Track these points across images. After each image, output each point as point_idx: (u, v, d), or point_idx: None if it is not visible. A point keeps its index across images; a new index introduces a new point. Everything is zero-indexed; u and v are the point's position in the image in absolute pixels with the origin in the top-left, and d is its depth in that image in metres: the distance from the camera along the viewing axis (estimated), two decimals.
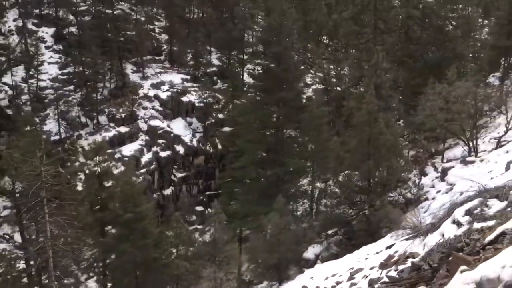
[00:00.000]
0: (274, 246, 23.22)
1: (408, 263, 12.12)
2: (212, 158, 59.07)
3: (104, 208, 22.43)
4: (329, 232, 27.53)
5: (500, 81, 48.54)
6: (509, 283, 6.76)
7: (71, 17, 62.82)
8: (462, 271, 8.57)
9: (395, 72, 36.25)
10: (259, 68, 74.10)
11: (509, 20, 47.15)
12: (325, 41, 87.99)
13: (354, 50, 60.05)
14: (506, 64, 50.70)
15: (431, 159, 32.58)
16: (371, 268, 14.30)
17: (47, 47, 60.12)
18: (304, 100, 48.62)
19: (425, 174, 28.67)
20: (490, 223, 11.20)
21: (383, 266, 13.41)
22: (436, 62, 41.38)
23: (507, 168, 18.26)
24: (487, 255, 8.92)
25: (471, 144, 28.62)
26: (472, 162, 24.11)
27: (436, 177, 26.94)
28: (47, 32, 61.84)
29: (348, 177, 25.34)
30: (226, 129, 60.04)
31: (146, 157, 55.11)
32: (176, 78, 63.93)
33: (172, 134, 57.47)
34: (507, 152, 21.64)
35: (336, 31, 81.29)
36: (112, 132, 55.00)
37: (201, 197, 57.77)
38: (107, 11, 62.08)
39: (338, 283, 15.06)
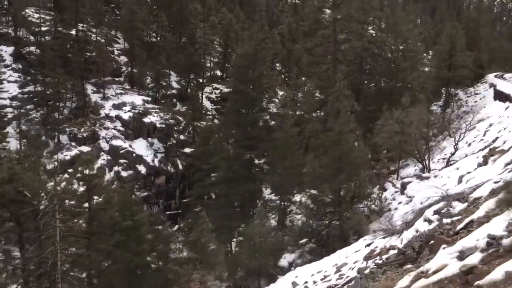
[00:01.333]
0: (256, 253, 25.31)
1: (391, 253, 14.69)
2: (173, 178, 60.42)
3: (92, 220, 23.70)
4: (301, 241, 29.96)
5: (442, 109, 53.51)
6: (484, 248, 9.44)
7: (32, 37, 62.89)
8: (444, 248, 11.27)
9: (351, 99, 39.75)
10: (217, 92, 77.11)
11: (450, 54, 52.57)
12: (278, 68, 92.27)
13: (305, 78, 64.17)
14: (447, 94, 56.09)
15: (388, 176, 36.13)
16: (355, 262, 16.74)
17: (6, 66, 59.85)
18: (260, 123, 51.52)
19: (385, 189, 31.97)
20: (457, 218, 13.99)
21: (368, 258, 15.91)
22: (388, 91, 45.62)
23: (460, 181, 21.48)
24: (463, 236, 11.60)
25: (424, 163, 32.32)
26: (427, 177, 27.46)
27: (396, 191, 30.23)
28: (5, 51, 61.57)
29: (321, 190, 27.93)
30: (187, 150, 61.90)
31: (108, 177, 55.53)
32: (137, 99, 65.18)
33: (134, 154, 58.38)
34: (458, 169, 25.09)
35: (289, 59, 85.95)
36: (74, 151, 55.20)
37: (161, 217, 58.57)
38: (69, 32, 62.89)
39: (325, 276, 17.36)
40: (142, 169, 58.57)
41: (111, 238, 22.18)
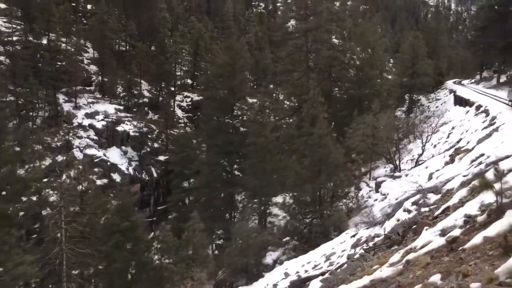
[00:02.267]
0: (244, 251, 26.79)
1: (377, 240, 16.49)
2: (148, 186, 61.12)
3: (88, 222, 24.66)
4: (284, 240, 31.63)
5: (406, 114, 56.50)
6: (462, 225, 11.32)
7: (1, 47, 62.47)
8: (426, 229, 13.13)
9: (324, 105, 41.84)
10: (188, 100, 78.49)
11: (413, 63, 55.76)
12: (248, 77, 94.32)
13: (273, 86, 65.94)
14: (410, 100, 59.28)
15: (361, 177, 38.41)
16: (343, 250, 18.48)
17: None
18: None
19: (360, 189, 34.15)
20: (433, 206, 15.93)
21: (355, 246, 17.68)
22: (357, 97, 48.17)
23: (430, 178, 23.68)
24: (442, 219, 13.47)
25: (395, 163, 34.71)
26: (399, 176, 29.72)
27: (370, 190, 32.41)
28: None
29: (303, 190, 29.66)
30: (161, 157, 62.89)
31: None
32: (109, 108, 65.70)
33: (108, 163, 58.80)
34: (427, 167, 27.39)
35: (257, 67, 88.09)
36: (47, 161, 55.19)
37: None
38: (40, 42, 62.89)
39: (316, 265, 19.02)
40: (116, 177, 59.00)
41: (109, 239, 23.23)
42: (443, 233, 11.75)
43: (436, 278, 8.24)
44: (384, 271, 11.13)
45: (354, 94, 49.27)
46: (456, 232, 10.99)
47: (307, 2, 49.50)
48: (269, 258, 29.42)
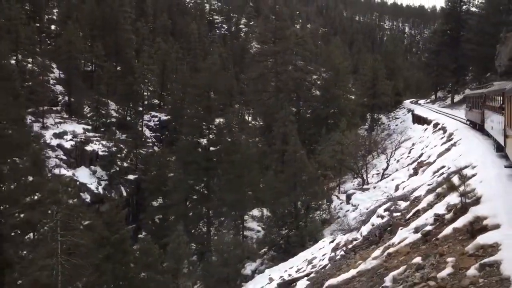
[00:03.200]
0: (224, 262, 28.11)
1: (355, 243, 18.35)
2: (118, 205, 61.26)
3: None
4: (262, 251, 33.17)
5: (368, 132, 59.48)
6: (432, 223, 13.32)
7: None
8: (401, 229, 15.09)
9: (294, 124, 43.99)
10: (156, 120, 79.52)
11: (373, 84, 59.09)
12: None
13: (238, 105, 67.78)
14: (372, 119, 62.47)
15: (333, 190, 40.60)
16: (324, 254, 20.24)
17: None
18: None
19: (331, 201, 36.25)
20: (405, 211, 17.97)
21: (335, 249, 19.48)
22: (324, 116, 50.74)
23: (397, 189, 25.92)
24: (414, 219, 15.47)
25: (363, 177, 37.10)
26: (367, 189, 31.96)
27: (341, 202, 34.57)
28: None
29: (281, 203, 31.40)
30: (131, 176, 63.38)
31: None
32: (77, 128, 65.85)
33: (78, 182, 58.80)
34: (393, 180, 29.71)
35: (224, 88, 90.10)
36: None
37: None
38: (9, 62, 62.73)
39: (299, 269, 20.67)
40: (86, 197, 59.07)
41: (99, 251, 24.11)
42: (416, 230, 13.71)
43: (417, 259, 10.13)
44: (369, 263, 12.93)
45: (321, 113, 51.89)
46: (428, 228, 12.98)
47: (274, 26, 52.14)
48: (248, 268, 30.86)
